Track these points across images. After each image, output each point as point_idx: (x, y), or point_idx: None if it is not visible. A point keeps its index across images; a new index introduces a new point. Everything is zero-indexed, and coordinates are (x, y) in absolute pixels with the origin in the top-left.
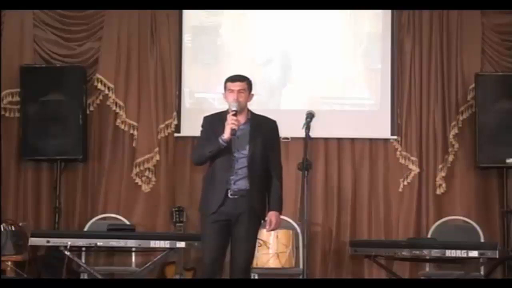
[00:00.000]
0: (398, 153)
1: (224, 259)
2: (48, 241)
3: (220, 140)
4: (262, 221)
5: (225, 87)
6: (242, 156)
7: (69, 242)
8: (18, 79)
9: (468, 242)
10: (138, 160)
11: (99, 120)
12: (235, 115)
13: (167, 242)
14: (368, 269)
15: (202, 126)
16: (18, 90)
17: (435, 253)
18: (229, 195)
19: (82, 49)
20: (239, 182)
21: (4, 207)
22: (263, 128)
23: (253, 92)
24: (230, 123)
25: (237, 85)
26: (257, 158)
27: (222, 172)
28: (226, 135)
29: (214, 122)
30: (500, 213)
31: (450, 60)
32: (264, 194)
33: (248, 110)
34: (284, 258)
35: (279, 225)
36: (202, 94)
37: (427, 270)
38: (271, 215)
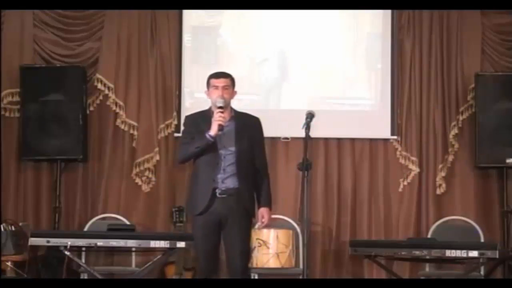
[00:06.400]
0: (398, 153)
1: (219, 258)
2: (48, 241)
3: (208, 136)
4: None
5: (208, 84)
6: (229, 153)
7: (69, 242)
8: (18, 79)
9: (468, 242)
10: (138, 160)
11: (99, 120)
12: (222, 112)
13: (167, 242)
14: (368, 269)
15: (184, 125)
16: (18, 90)
17: (435, 253)
18: (217, 194)
19: (82, 49)
20: (227, 180)
21: (4, 207)
22: (247, 125)
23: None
24: (217, 119)
25: (221, 81)
26: (245, 154)
27: (208, 171)
28: (214, 131)
29: (198, 120)
30: (500, 213)
31: (450, 60)
32: (252, 192)
33: (231, 108)
34: (284, 258)
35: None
36: (202, 94)
37: (427, 270)
38: (263, 212)
